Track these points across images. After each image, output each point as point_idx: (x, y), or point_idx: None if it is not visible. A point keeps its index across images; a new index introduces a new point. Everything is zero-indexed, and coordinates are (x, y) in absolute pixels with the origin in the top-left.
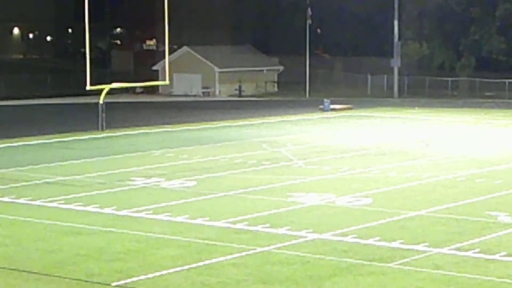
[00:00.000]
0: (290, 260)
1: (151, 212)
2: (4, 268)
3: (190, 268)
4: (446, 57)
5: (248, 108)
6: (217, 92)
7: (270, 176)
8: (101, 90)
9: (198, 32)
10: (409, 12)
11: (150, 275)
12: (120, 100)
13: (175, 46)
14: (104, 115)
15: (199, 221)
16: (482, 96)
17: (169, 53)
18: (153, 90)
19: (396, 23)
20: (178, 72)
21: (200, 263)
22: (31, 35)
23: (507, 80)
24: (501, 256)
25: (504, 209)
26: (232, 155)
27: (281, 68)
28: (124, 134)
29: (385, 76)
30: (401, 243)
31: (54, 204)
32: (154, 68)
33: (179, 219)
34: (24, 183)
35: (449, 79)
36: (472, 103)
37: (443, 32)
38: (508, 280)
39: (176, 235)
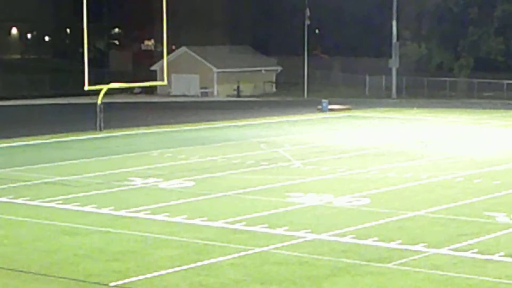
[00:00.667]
0: (288, 260)
1: (149, 212)
2: (2, 268)
3: (188, 268)
4: (444, 57)
5: (246, 108)
6: (215, 92)
7: (269, 177)
8: (99, 90)
9: (196, 33)
10: (408, 12)
11: (148, 275)
12: (118, 100)
13: (174, 47)
14: (102, 115)
15: (197, 221)
16: (480, 97)
17: (168, 54)
18: (151, 90)
19: (394, 23)
20: (177, 73)
21: (198, 263)
22: (29, 35)
23: (505, 81)
24: (499, 256)
25: (503, 209)
26: (231, 155)
27: (279, 68)
28: (122, 134)
29: (384, 76)
30: (399, 243)
31: (53, 204)
32: (153, 68)
33: (177, 219)
34: (22, 183)
35: (447, 79)
36: (470, 104)
37: (441, 32)
38: (506, 281)
39: (174, 235)
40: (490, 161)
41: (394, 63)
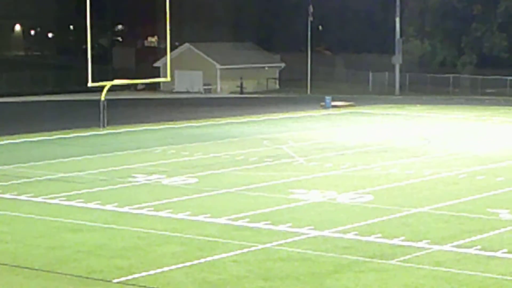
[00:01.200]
0: (291, 257)
1: (152, 209)
2: (6, 264)
3: (192, 265)
4: (447, 54)
5: (250, 105)
6: (218, 89)
7: (272, 173)
8: (103, 87)
9: (199, 29)
10: (411, 9)
11: (151, 272)
12: (121, 97)
13: (177, 43)
14: (105, 112)
15: (200, 218)
16: (484, 93)
17: (171, 50)
18: (155, 87)
19: (397, 20)
20: (180, 69)
21: (202, 260)
22: (32, 32)
23: (508, 77)
24: (502, 253)
25: (506, 206)
26: (234, 152)
27: (282, 65)
28: (126, 131)
29: (387, 73)
30: (403, 240)
31: (56, 201)
32: (156, 65)
33: (180, 216)
34: (25, 180)
35: (451, 76)
36: (474, 100)
37: (444, 29)
38: (509, 277)
39: (177, 232)
40: (494, 157)
41: (397, 60)
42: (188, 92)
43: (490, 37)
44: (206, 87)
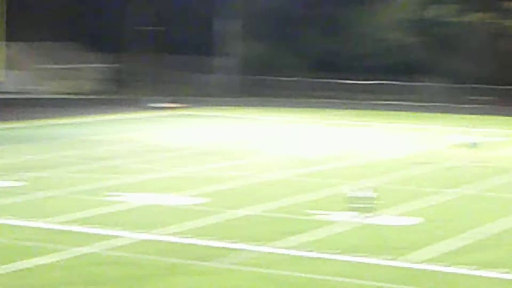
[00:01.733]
0: (111, 260)
1: None
2: None
3: (8, 272)
4: (283, 57)
5: (74, 106)
6: (38, 89)
7: (95, 175)
8: None
9: (19, 27)
10: (246, 11)
11: None
12: None
13: None
14: None
15: (17, 222)
16: (317, 96)
17: None
18: None
19: (232, 21)
20: None
21: (17, 266)
22: None
23: (341, 81)
24: (330, 254)
25: (325, 207)
26: (51, 154)
27: (111, 65)
28: None
29: (220, 75)
30: (229, 242)
31: None
32: None
33: None
34: None
35: (286, 79)
36: (306, 103)
37: (280, 32)
38: (338, 278)
39: None
40: (319, 160)
41: (230, 62)
42: (2, 92)
43: (322, 41)
44: (23, 86)
